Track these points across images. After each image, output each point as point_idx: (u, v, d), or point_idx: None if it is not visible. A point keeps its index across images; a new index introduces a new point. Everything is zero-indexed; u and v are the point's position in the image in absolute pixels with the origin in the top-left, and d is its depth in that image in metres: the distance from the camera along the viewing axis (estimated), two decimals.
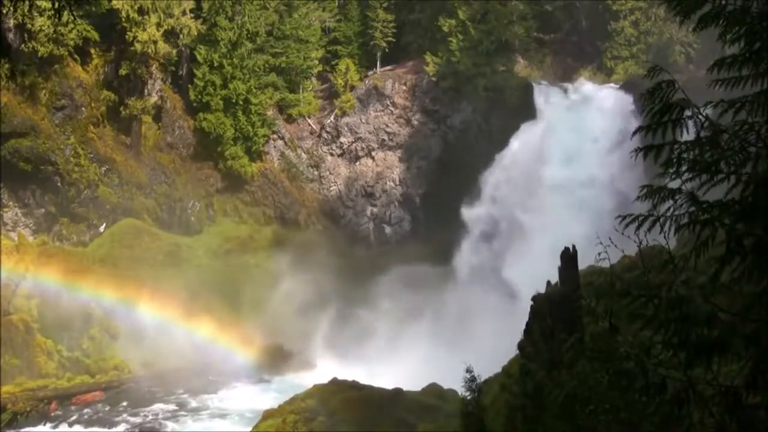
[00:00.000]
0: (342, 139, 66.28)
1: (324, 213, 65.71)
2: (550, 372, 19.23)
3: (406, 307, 54.15)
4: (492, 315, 48.21)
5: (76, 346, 51.66)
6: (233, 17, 61.19)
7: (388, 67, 67.13)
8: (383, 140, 65.80)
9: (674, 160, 7.89)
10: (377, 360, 49.96)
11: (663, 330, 7.42)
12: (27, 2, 10.29)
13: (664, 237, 7.77)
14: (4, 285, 50.68)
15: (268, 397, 47.47)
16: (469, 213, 58.80)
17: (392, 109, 65.52)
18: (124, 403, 49.17)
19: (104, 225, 57.89)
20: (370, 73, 66.91)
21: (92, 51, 59.58)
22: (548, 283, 23.77)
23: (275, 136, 65.26)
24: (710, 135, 7.77)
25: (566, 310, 20.57)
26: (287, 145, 65.87)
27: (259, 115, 62.22)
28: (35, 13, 47.22)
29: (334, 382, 42.07)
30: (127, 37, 58.06)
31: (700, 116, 7.86)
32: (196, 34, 60.44)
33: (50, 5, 9.96)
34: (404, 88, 65.42)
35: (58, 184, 56.02)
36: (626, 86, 57.76)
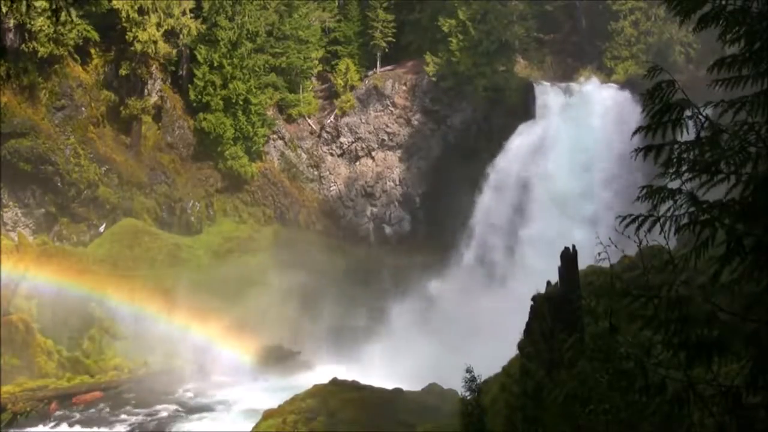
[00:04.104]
0: (342, 139, 66.28)
1: (324, 213, 65.70)
2: (550, 372, 19.23)
3: (406, 306, 54.16)
4: (490, 315, 48.19)
5: (76, 346, 51.65)
6: (233, 17, 61.17)
7: (388, 67, 67.10)
8: (383, 140, 65.78)
9: (674, 160, 7.89)
10: (377, 360, 49.95)
11: (663, 330, 7.43)
12: (24, 3, 10.28)
13: (664, 237, 7.77)
14: (4, 285, 50.66)
15: (268, 397, 47.41)
16: (471, 213, 58.83)
17: (392, 109, 65.50)
18: (125, 403, 49.15)
19: (104, 225, 57.90)
20: (370, 73, 66.89)
21: (92, 51, 59.57)
22: (548, 283, 23.78)
23: (275, 136, 65.25)
24: (710, 135, 7.77)
25: (566, 310, 20.58)
26: (287, 145, 65.86)
27: (259, 115, 62.22)
28: (35, 13, 47.20)
29: (334, 382, 42.10)
30: (127, 37, 58.05)
31: (700, 116, 7.86)
32: (196, 34, 60.44)
33: (48, 5, 9.97)
34: (404, 88, 65.40)
35: (58, 184, 56.02)
36: (626, 86, 57.77)
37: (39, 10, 42.86)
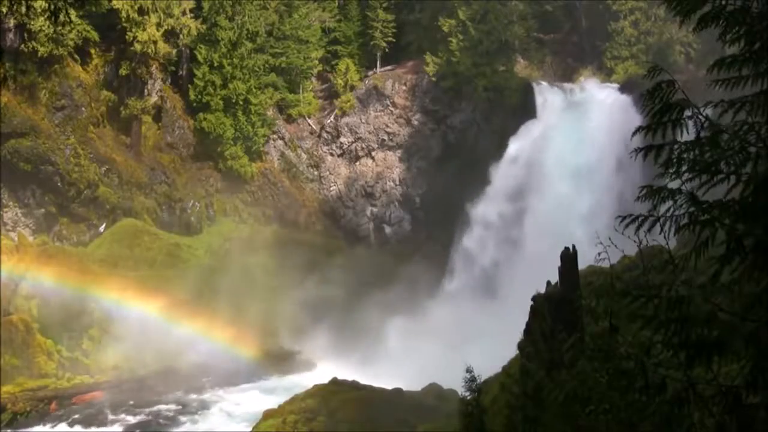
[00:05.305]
0: (342, 139, 66.28)
1: (324, 213, 65.70)
2: (550, 372, 19.23)
3: (407, 306, 54.14)
4: (490, 315, 48.23)
5: (76, 346, 51.63)
6: (233, 17, 61.17)
7: (388, 67, 67.11)
8: (383, 140, 65.79)
9: (674, 160, 7.89)
10: (377, 360, 49.94)
11: (663, 330, 7.43)
12: (24, 4, 10.27)
13: (664, 237, 7.77)
14: (4, 285, 50.68)
15: (268, 397, 47.47)
16: (472, 213, 58.83)
17: (392, 109, 65.50)
18: (124, 403, 49.15)
19: (104, 225, 57.88)
20: (370, 73, 66.89)
21: (92, 51, 59.59)
22: (548, 283, 23.78)
23: (275, 136, 65.25)
24: (710, 135, 7.77)
25: (566, 310, 20.58)
26: (287, 145, 65.85)
27: (259, 115, 62.21)
28: (34, 14, 47.16)
29: (334, 382, 42.14)
30: (127, 37, 58.07)
31: (700, 116, 7.86)
32: (196, 34, 60.46)
33: (47, 6, 9.94)
34: (404, 88, 65.40)
35: (58, 184, 56.02)
36: (626, 86, 57.78)
37: (39, 11, 42.79)
